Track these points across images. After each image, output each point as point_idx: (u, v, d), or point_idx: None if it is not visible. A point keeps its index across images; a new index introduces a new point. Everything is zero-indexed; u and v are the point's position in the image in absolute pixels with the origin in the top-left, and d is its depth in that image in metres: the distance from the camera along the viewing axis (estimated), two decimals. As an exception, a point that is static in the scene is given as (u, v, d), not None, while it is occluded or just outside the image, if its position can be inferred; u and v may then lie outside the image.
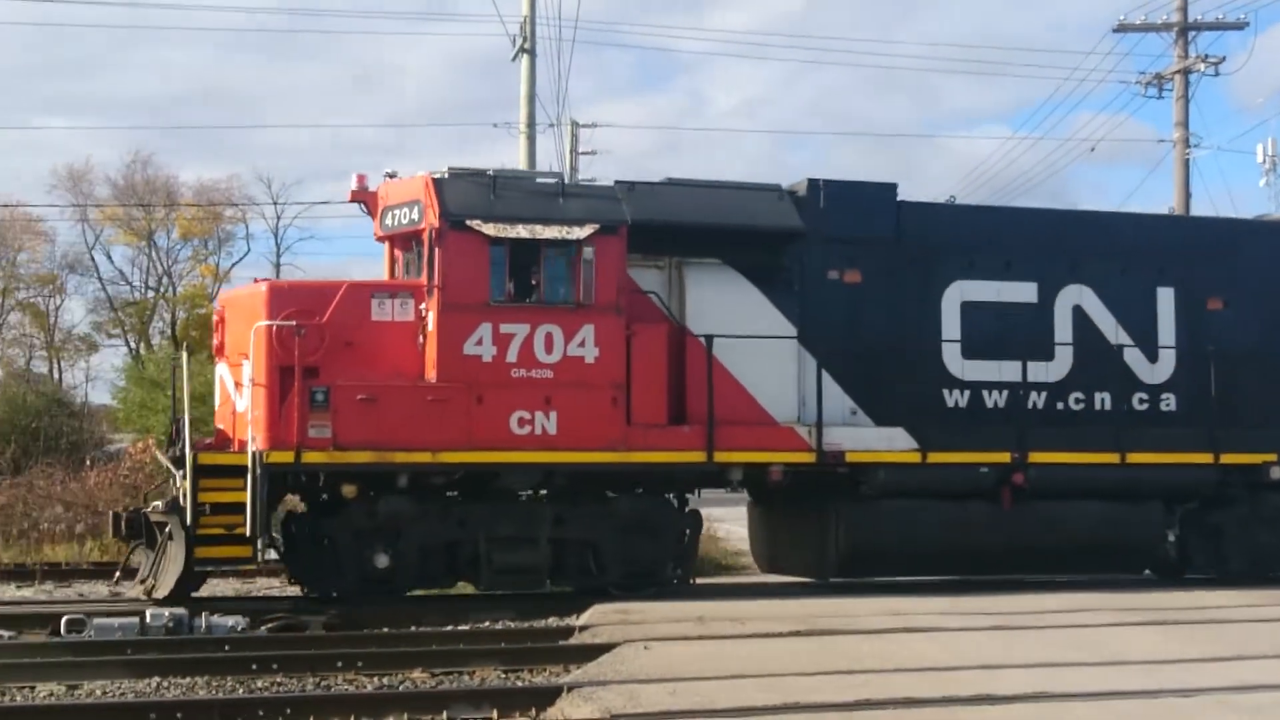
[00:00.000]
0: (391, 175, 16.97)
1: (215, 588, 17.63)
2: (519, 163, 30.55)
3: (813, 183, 17.58)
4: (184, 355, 16.19)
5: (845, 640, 13.14)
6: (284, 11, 73.76)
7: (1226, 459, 18.16)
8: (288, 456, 15.32)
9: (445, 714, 10.46)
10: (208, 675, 11.87)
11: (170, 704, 10.38)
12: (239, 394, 15.95)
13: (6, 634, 13.96)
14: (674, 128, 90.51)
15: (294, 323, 15.47)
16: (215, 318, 16.78)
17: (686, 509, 17.30)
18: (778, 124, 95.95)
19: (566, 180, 18.10)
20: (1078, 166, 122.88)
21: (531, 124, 31.39)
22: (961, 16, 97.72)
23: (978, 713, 10.09)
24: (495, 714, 10.51)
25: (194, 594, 15.77)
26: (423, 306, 15.99)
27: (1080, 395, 18.15)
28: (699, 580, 17.53)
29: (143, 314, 63.20)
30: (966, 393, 17.77)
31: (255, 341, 15.59)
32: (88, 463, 26.20)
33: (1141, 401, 18.38)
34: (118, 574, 16.63)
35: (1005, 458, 17.39)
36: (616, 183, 16.93)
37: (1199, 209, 34.58)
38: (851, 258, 17.58)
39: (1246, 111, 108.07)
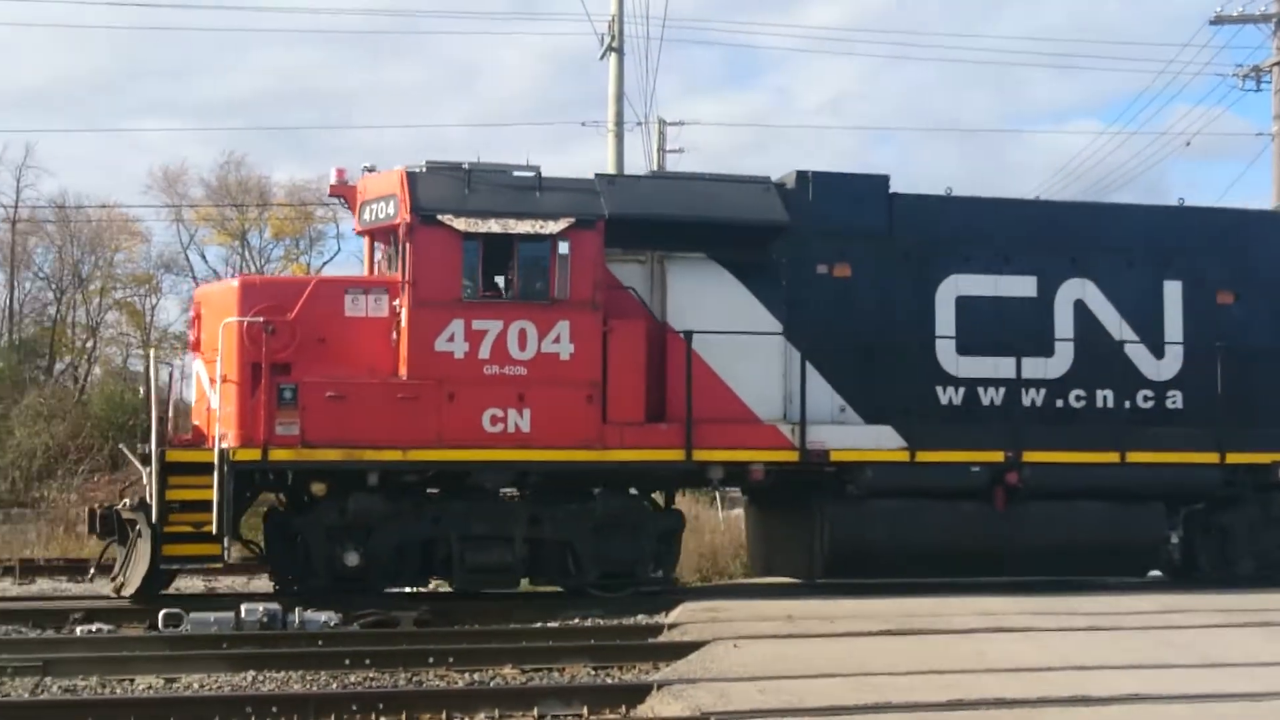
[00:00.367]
0: (370, 169, 16.77)
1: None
2: (608, 161, 30.78)
3: (801, 174, 17.18)
4: (152, 353, 16.09)
5: (936, 640, 13.00)
6: (375, 13, 74.07)
7: (1233, 458, 17.54)
8: (255, 454, 15.18)
9: (536, 710, 10.51)
10: (302, 670, 12.00)
11: (266, 698, 10.53)
12: (213, 390, 15.83)
13: (106, 627, 14.14)
14: (760, 125, 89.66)
15: (261, 319, 15.32)
16: (192, 313, 16.68)
17: (672, 507, 17.03)
18: (865, 120, 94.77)
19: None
20: (1172, 161, 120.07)
21: (620, 122, 31.47)
22: (1051, 9, 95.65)
23: (1073, 714, 9.93)
24: (585, 711, 10.51)
25: (161, 592, 15.72)
26: (396, 302, 15.78)
27: (1081, 392, 17.60)
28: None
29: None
30: (961, 390, 17.29)
31: (225, 337, 15.48)
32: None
33: (1147, 399, 17.80)
34: (92, 571, 16.62)
35: (998, 457, 16.89)
36: (597, 176, 16.64)
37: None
38: (841, 251, 17.15)
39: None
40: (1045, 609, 14.86)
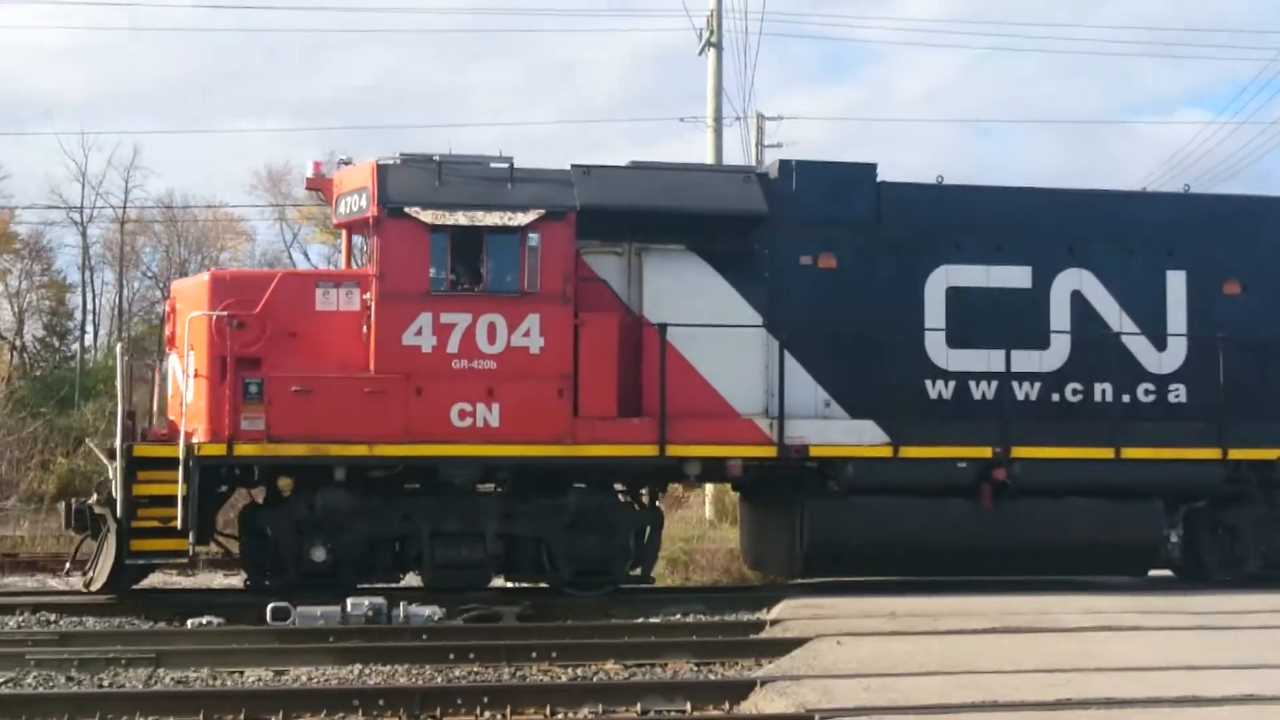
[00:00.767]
0: (346, 162, 16.65)
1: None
2: (707, 157, 30.70)
3: (784, 164, 16.84)
4: (118, 347, 16.08)
5: (1043, 638, 12.84)
6: (472, 11, 74.31)
7: (1236, 454, 16.90)
8: (220, 449, 15.13)
9: (639, 706, 10.54)
10: (407, 664, 12.09)
11: (373, 691, 10.69)
12: (185, 385, 15.80)
13: (216, 620, 14.30)
14: (859, 119, 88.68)
15: (227, 313, 15.25)
16: (167, 308, 16.66)
17: (656, 504, 16.76)
18: (964, 113, 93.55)
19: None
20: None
21: (718, 118, 31.36)
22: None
23: (1184, 715, 9.77)
24: (689, 707, 10.54)
25: (134, 587, 15.73)
26: (368, 296, 15.65)
27: (1078, 386, 17.05)
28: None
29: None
30: (952, 384, 16.82)
31: (194, 332, 15.45)
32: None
33: (1148, 393, 17.21)
34: (68, 565, 16.67)
35: (986, 453, 16.41)
36: (573, 166, 16.37)
37: None
38: (826, 242, 16.76)
39: None
40: (1153, 607, 14.62)
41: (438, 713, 10.32)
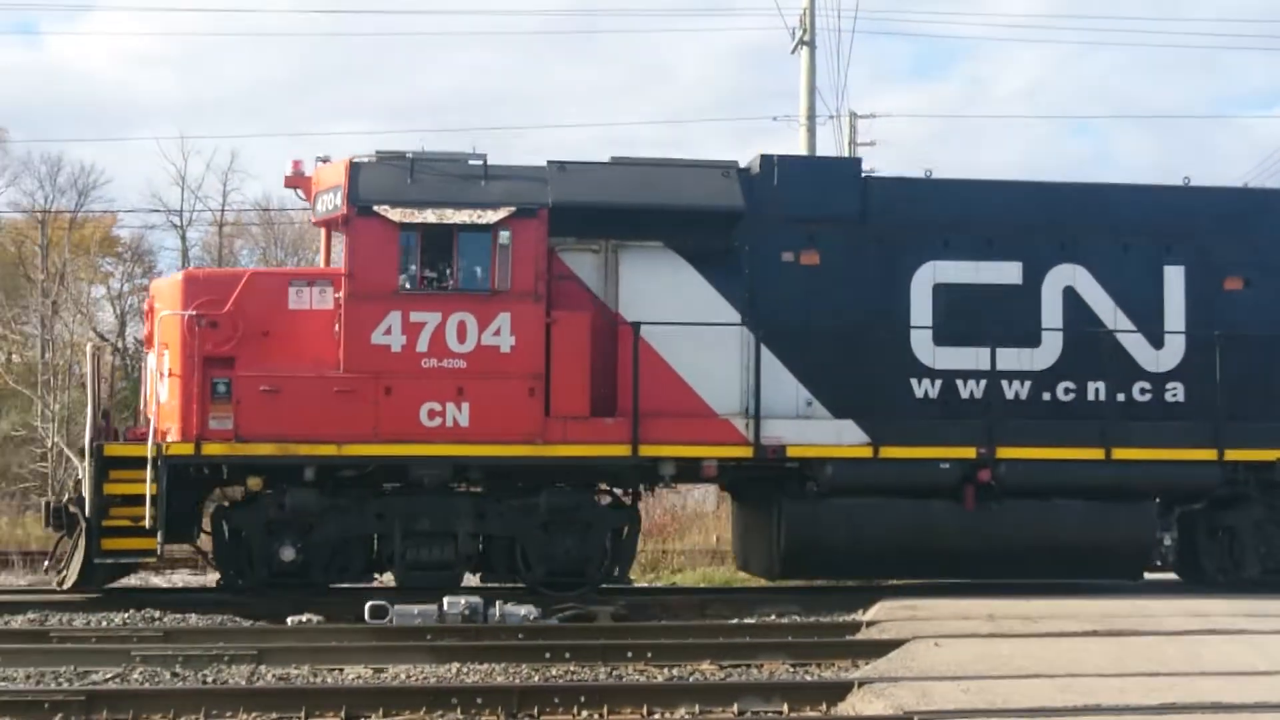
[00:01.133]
0: (324, 160, 16.57)
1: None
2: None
3: (766, 159, 16.52)
4: (89, 346, 16.14)
5: (1145, 641, 12.68)
6: (562, 12, 74.54)
7: (1232, 455, 16.39)
8: (188, 449, 15.13)
9: (736, 706, 10.49)
10: (504, 662, 12.16)
11: (471, 689, 10.75)
12: (161, 384, 15.82)
13: (316, 618, 14.45)
14: (953, 116, 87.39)
15: (195, 312, 15.24)
16: (146, 307, 16.69)
17: (636, 504, 16.56)
18: (1060, 109, 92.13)
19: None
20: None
21: (811, 116, 31.32)
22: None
23: None
24: (786, 708, 10.50)
25: (109, 585, 15.79)
26: (340, 294, 15.57)
27: (1071, 385, 16.61)
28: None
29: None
30: (939, 382, 16.44)
31: (168, 331, 15.48)
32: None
33: (1144, 392, 16.73)
34: (47, 563, 16.76)
35: (970, 453, 16.03)
36: (549, 163, 16.19)
37: None
38: (810, 238, 16.44)
39: None
40: (1258, 610, 14.33)
41: (535, 712, 10.38)
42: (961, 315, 16.45)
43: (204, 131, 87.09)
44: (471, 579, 16.40)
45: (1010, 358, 16.44)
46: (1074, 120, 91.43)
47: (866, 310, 16.37)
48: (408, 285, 15.39)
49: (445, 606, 14.24)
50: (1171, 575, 17.63)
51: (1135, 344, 16.74)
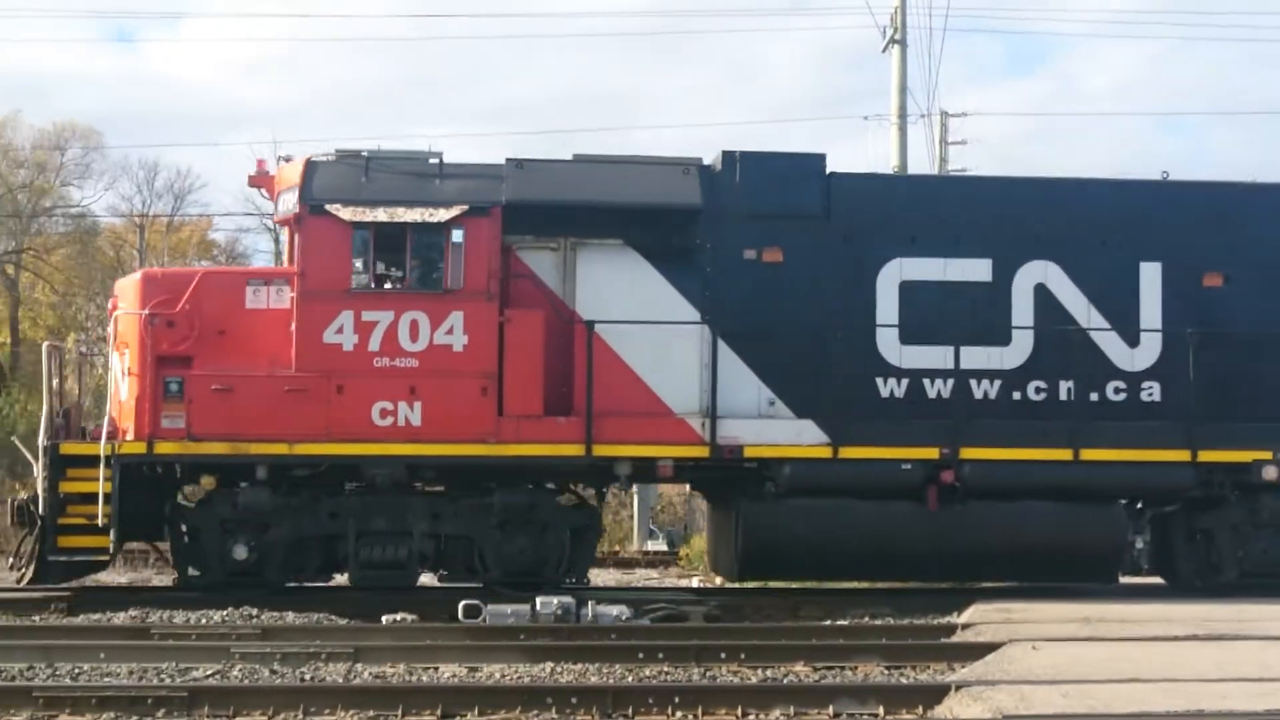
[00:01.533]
0: (287, 159, 16.59)
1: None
2: (890, 155, 31.05)
3: (727, 155, 16.30)
4: (45, 345, 16.26)
5: (1247, 646, 12.39)
6: (652, 14, 74.57)
7: (1206, 456, 15.98)
8: (140, 447, 15.19)
9: (831, 708, 10.41)
10: (597, 663, 12.14)
11: (565, 689, 10.72)
12: (120, 382, 15.90)
13: (410, 617, 14.56)
14: (1045, 114, 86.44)
15: (151, 311, 15.30)
16: (110, 306, 16.78)
17: (586, 505, 16.43)
18: (1155, 106, 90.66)
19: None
20: None
21: (903, 115, 31.35)
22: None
23: None
24: (881, 710, 10.40)
25: (78, 582, 15.91)
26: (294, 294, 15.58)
27: (1041, 384, 16.27)
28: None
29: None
30: (905, 381, 16.16)
31: (126, 330, 15.60)
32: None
33: (1118, 391, 16.35)
34: (12, 560, 16.87)
35: (933, 454, 15.75)
36: (507, 160, 16.09)
37: None
38: (772, 235, 16.21)
39: None
40: None
41: (629, 712, 10.33)
42: (929, 313, 16.17)
43: (298, 136, 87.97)
44: (430, 579, 16.37)
45: (979, 356, 16.14)
46: (1168, 116, 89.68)
47: (831, 308, 16.13)
48: (359, 284, 15.36)
49: (538, 606, 14.23)
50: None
51: (1109, 342, 16.37)
